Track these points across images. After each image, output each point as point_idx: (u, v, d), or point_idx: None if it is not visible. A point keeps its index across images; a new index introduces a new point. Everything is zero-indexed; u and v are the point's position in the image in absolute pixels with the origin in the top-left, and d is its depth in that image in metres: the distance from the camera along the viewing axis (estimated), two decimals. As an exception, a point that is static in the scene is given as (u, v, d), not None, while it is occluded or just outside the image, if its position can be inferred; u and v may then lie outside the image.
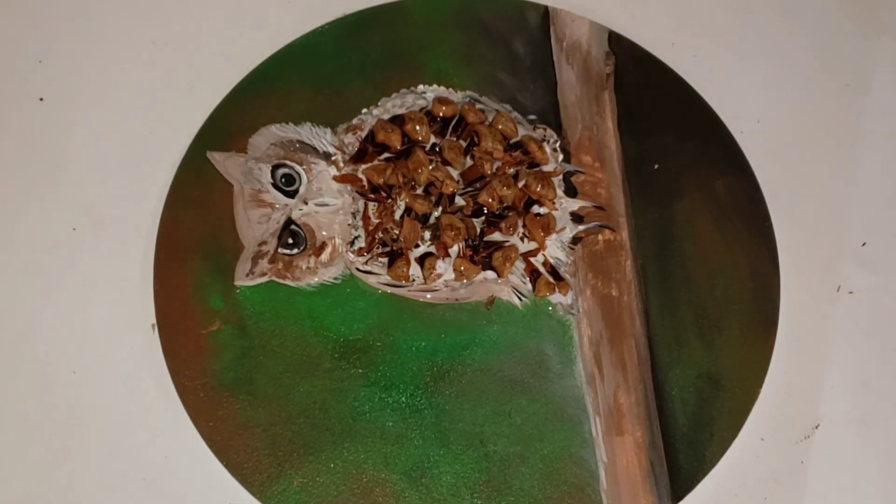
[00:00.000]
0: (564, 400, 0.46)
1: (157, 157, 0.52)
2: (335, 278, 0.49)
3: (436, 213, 0.49)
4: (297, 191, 0.49)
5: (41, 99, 0.54)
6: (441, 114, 0.52)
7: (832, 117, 0.55)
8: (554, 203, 0.50)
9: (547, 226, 0.49)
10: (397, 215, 0.49)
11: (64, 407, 0.47)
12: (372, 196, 0.50)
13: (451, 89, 0.53)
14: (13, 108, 0.54)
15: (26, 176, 0.52)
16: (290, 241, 0.48)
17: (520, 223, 0.49)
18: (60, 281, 0.49)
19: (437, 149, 0.51)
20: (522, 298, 0.48)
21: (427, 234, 0.49)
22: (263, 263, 0.48)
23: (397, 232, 0.49)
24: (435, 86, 0.53)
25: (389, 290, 0.48)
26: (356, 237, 0.49)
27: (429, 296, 0.48)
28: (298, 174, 0.49)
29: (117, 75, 0.55)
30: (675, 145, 0.52)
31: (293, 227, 0.48)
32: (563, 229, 0.50)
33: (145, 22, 0.56)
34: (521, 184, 0.50)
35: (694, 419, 0.46)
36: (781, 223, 0.51)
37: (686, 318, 0.48)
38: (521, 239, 0.49)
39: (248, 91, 0.52)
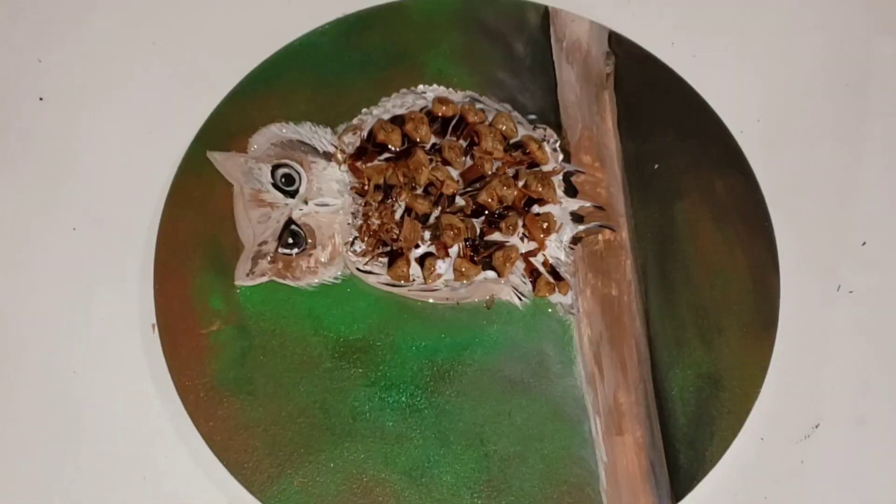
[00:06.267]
0: (564, 400, 0.46)
1: (157, 156, 0.52)
2: (335, 278, 0.49)
3: (436, 213, 0.49)
4: (297, 190, 0.49)
5: (41, 99, 0.54)
6: (441, 114, 0.52)
7: (832, 117, 0.55)
8: (556, 198, 0.50)
9: (547, 226, 0.49)
10: (397, 215, 0.49)
11: (64, 407, 0.47)
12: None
13: (451, 89, 0.53)
14: (13, 108, 0.54)
15: (26, 176, 0.52)
16: (291, 241, 0.48)
17: (520, 223, 0.49)
18: (60, 281, 0.49)
19: (437, 149, 0.51)
20: (522, 298, 0.48)
21: (427, 234, 0.49)
22: (263, 263, 0.48)
23: (397, 232, 0.49)
24: (435, 86, 0.53)
25: (389, 289, 0.48)
26: (356, 237, 0.49)
27: (430, 299, 0.48)
28: (299, 174, 0.49)
29: (117, 75, 0.55)
30: (675, 145, 0.52)
31: (293, 226, 0.48)
32: (561, 227, 0.50)
33: (145, 22, 0.56)
34: (521, 183, 0.50)
35: (694, 419, 0.46)
36: (781, 223, 0.50)
37: (686, 318, 0.48)
38: (521, 239, 0.49)
39: (248, 91, 0.52)
